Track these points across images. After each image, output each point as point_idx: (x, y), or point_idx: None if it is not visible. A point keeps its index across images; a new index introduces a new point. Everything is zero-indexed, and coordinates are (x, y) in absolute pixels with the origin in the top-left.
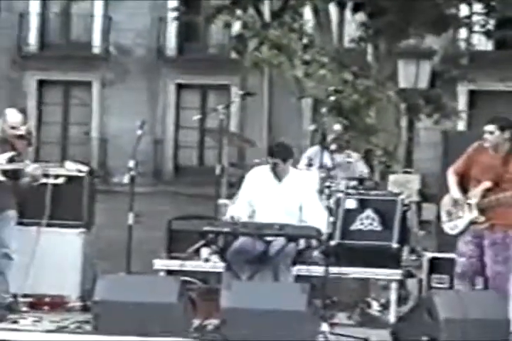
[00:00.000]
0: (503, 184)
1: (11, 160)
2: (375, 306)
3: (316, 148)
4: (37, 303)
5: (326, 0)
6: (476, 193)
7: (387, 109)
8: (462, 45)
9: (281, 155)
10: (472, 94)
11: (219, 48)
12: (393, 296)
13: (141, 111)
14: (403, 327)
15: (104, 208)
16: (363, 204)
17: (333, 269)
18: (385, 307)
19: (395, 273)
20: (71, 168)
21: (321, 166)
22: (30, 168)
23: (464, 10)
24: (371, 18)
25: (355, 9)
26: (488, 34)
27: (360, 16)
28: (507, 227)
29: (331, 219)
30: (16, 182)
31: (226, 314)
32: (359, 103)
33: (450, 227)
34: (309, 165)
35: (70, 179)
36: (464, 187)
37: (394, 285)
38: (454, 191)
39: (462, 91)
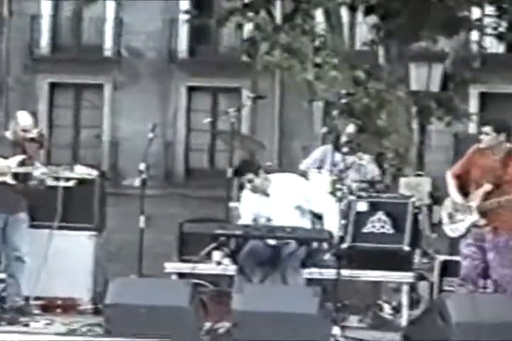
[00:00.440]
0: (503, 186)
1: (21, 164)
2: (387, 309)
3: (324, 149)
4: (48, 306)
5: (337, 3)
6: (476, 196)
7: (399, 112)
8: (474, 47)
9: (250, 170)
10: (484, 97)
11: (230, 51)
12: (405, 299)
13: (152, 114)
14: (415, 330)
15: (115, 211)
16: (374, 207)
17: (345, 272)
18: (396, 310)
19: (407, 276)
20: (82, 171)
21: (333, 165)
22: (38, 171)
23: (475, 12)
24: (383, 20)
25: (367, 12)
26: (499, 36)
27: (372, 19)
28: (509, 230)
29: (343, 221)
30: (26, 185)
31: (237, 317)
32: (370, 106)
33: (451, 229)
34: (319, 167)
35: (81, 182)
36: (465, 190)
37: (405, 288)
38: (455, 194)
39: (474, 94)
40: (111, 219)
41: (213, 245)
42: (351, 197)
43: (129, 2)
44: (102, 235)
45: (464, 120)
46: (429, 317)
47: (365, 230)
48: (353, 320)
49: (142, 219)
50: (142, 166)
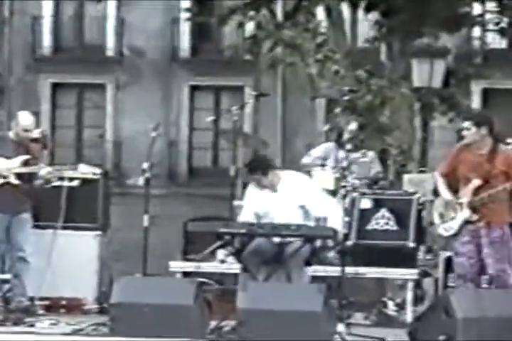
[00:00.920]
0: (492, 180)
1: (25, 164)
2: (392, 306)
3: (327, 146)
4: (53, 306)
5: None
6: (466, 192)
7: (401, 108)
8: (476, 43)
9: (259, 169)
10: (486, 93)
11: (232, 49)
12: (409, 296)
13: (155, 113)
14: (420, 326)
15: (119, 210)
16: (378, 204)
17: (349, 269)
18: (401, 306)
19: (411, 273)
20: (86, 170)
21: (336, 162)
22: (43, 171)
23: (477, 8)
24: (384, 17)
25: (368, 8)
26: (501, 32)
27: (374, 16)
28: (502, 224)
29: (347, 219)
30: (30, 185)
31: (242, 315)
32: (373, 103)
33: (445, 229)
34: (322, 165)
35: (84, 182)
36: (454, 188)
37: (410, 285)
38: (444, 193)
39: (476, 90)
40: (115, 218)
41: (218, 243)
42: (355, 194)
43: (130, 1)
44: (107, 234)
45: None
46: (434, 314)
47: (369, 227)
48: (358, 317)
49: (146, 218)
50: (146, 165)
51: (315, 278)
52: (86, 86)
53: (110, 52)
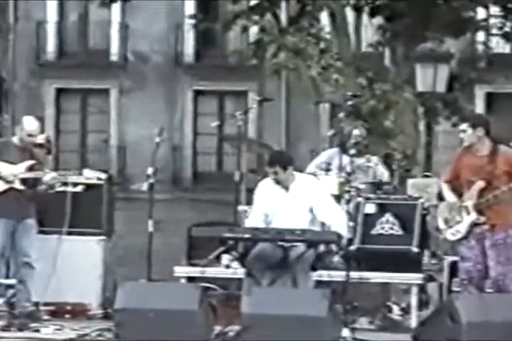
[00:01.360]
0: (495, 181)
1: (30, 169)
2: (397, 310)
3: (332, 151)
4: (58, 311)
5: (342, 4)
6: (471, 195)
7: (405, 113)
8: (480, 48)
9: (280, 163)
10: (490, 97)
11: (236, 54)
12: (414, 300)
13: (159, 118)
14: (425, 331)
15: (124, 215)
16: (382, 209)
17: (354, 274)
18: (406, 311)
19: (416, 278)
20: (90, 175)
21: (340, 169)
22: (48, 176)
23: (481, 13)
24: (388, 21)
25: (372, 13)
26: (505, 37)
27: (378, 20)
28: (507, 226)
29: (351, 223)
30: (35, 191)
31: (247, 320)
32: (377, 108)
33: (452, 233)
34: (327, 170)
35: (89, 187)
36: (459, 193)
37: (415, 290)
38: (449, 196)
39: (480, 94)
40: (119, 223)
41: (222, 248)
42: (359, 199)
43: (134, 6)
44: (111, 240)
45: None
46: (439, 318)
47: (373, 232)
48: (362, 322)
49: (151, 223)
50: (150, 170)
51: (319, 283)
52: (90, 91)
53: (114, 58)
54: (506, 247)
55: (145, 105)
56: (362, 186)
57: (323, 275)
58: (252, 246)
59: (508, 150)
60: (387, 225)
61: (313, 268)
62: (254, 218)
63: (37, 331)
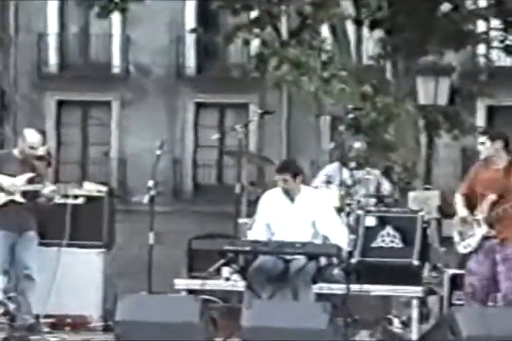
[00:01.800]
0: (508, 195)
1: (30, 182)
2: (397, 323)
3: (335, 165)
4: (59, 324)
5: (342, 17)
6: (483, 208)
7: (406, 126)
8: (481, 60)
9: (291, 170)
10: (491, 110)
11: (238, 67)
12: (415, 313)
13: (160, 131)
14: None
15: (124, 228)
16: (383, 222)
17: (355, 287)
18: (406, 324)
19: (417, 291)
20: (90, 188)
21: (341, 184)
22: (47, 189)
23: (481, 26)
24: (389, 35)
25: (373, 26)
26: (506, 49)
27: (378, 33)
28: None
29: (352, 236)
30: (35, 203)
31: (247, 333)
32: (378, 120)
33: (464, 246)
34: (328, 182)
35: (89, 199)
36: (473, 207)
37: (415, 303)
38: (460, 209)
39: (481, 107)
40: (120, 235)
41: (222, 261)
42: (360, 212)
43: (135, 19)
44: (111, 252)
45: (471, 133)
46: (439, 332)
47: (374, 245)
48: (363, 335)
49: (151, 235)
50: (150, 183)
51: (320, 296)
52: (91, 103)
53: (116, 70)
54: None
55: (146, 117)
56: (362, 199)
57: (324, 288)
58: (253, 258)
59: None
60: (388, 238)
61: (314, 281)
62: (257, 229)
63: None
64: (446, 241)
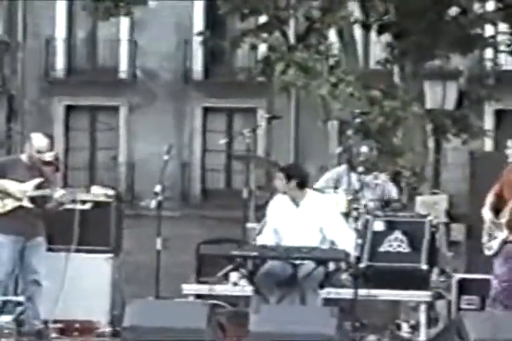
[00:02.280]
0: None
1: (38, 187)
2: (405, 328)
3: (341, 168)
4: (67, 329)
5: (350, 21)
6: (505, 212)
7: (414, 130)
8: (488, 64)
9: (295, 175)
10: (499, 114)
11: (245, 71)
12: (423, 318)
13: (168, 135)
14: None
15: (132, 233)
16: (391, 226)
17: (362, 291)
18: (414, 329)
19: (424, 295)
20: (98, 193)
21: (349, 184)
22: (57, 194)
23: (489, 30)
24: (396, 39)
25: (380, 31)
26: None
27: (386, 38)
28: None
29: (359, 241)
30: (44, 209)
31: (255, 338)
32: (385, 125)
33: (487, 248)
34: (335, 187)
35: (97, 204)
36: (500, 209)
37: (423, 307)
38: (486, 213)
39: (489, 111)
40: (128, 240)
41: (230, 266)
42: (368, 217)
43: (142, 23)
44: (119, 257)
45: (480, 137)
46: (447, 336)
47: (381, 249)
48: (371, 340)
49: (159, 240)
50: (158, 188)
51: (328, 301)
52: (99, 108)
53: (123, 75)
54: None
55: (154, 122)
56: (370, 203)
57: (332, 292)
58: (261, 263)
59: None
60: (396, 243)
61: (322, 286)
62: (266, 235)
63: None
64: (455, 245)
